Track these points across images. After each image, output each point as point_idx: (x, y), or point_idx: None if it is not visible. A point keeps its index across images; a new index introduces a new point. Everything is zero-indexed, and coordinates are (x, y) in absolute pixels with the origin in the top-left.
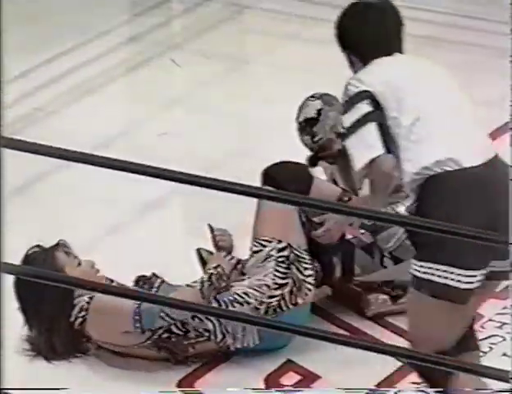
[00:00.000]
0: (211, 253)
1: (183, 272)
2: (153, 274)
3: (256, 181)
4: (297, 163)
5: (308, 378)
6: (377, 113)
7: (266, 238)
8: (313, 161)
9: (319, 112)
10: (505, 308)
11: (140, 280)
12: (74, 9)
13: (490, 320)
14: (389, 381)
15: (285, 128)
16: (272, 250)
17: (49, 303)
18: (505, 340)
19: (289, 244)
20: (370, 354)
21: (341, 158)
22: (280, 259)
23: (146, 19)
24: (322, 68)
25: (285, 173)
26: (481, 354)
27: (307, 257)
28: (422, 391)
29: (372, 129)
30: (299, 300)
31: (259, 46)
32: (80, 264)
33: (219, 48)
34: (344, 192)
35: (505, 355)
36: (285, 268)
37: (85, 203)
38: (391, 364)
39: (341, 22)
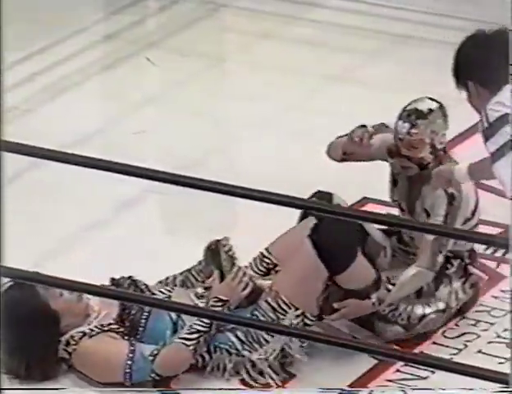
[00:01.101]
0: (232, 262)
1: (159, 271)
2: (130, 278)
3: (232, 179)
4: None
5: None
6: None
7: (286, 301)
8: (393, 153)
9: (431, 111)
10: (480, 305)
11: (117, 282)
12: (49, 7)
13: (464, 318)
14: (362, 380)
15: (262, 126)
16: (285, 320)
17: (34, 334)
18: (479, 337)
19: (303, 313)
20: (343, 353)
21: (418, 170)
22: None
23: (122, 17)
24: (298, 66)
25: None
26: (455, 351)
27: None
28: (403, 390)
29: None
30: None
31: (236, 44)
32: (61, 294)
33: (195, 47)
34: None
35: (479, 351)
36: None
37: (61, 202)
38: (365, 363)
39: (466, 53)
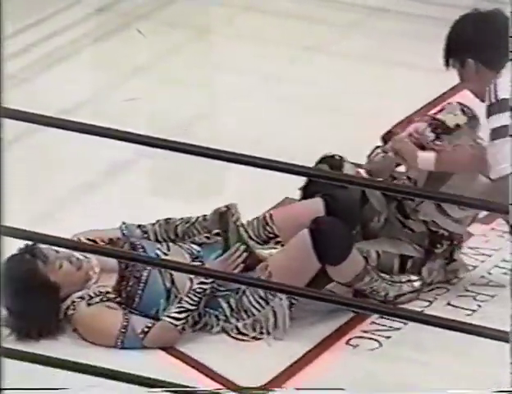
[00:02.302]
0: (238, 234)
1: None
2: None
3: (218, 144)
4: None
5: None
6: None
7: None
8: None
9: (457, 126)
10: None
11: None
12: None
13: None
14: (340, 332)
15: (246, 93)
16: (275, 299)
17: (35, 305)
18: (448, 291)
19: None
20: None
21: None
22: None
23: None
24: (279, 37)
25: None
26: (426, 303)
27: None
28: (377, 341)
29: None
30: None
31: (220, 17)
32: (61, 266)
33: (183, 19)
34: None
35: (448, 304)
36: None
37: (56, 165)
38: (343, 316)
39: (464, 32)
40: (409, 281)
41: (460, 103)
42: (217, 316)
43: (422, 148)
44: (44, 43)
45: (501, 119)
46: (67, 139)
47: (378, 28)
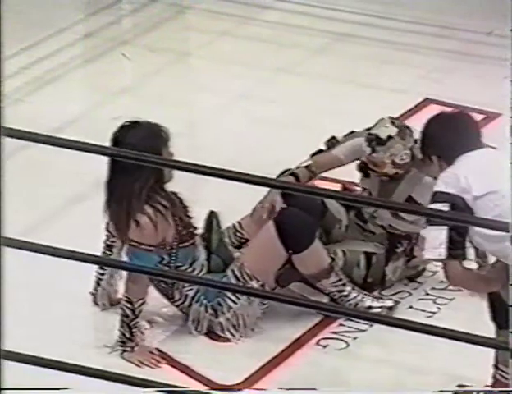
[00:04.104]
0: (219, 237)
1: None
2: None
3: (195, 159)
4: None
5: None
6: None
7: (248, 273)
8: (363, 169)
9: (390, 138)
10: None
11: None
12: (34, 9)
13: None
14: (310, 333)
15: (222, 113)
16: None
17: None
18: (411, 295)
19: (262, 285)
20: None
21: (388, 178)
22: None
23: (99, 18)
24: (252, 60)
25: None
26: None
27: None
28: (345, 341)
29: (444, 233)
30: None
31: (199, 41)
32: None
33: (164, 44)
34: None
35: (410, 307)
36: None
37: (47, 179)
38: (313, 318)
39: (432, 132)
40: (381, 298)
41: (390, 117)
42: (206, 306)
43: (363, 163)
44: (36, 66)
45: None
46: (57, 154)
47: (344, 52)
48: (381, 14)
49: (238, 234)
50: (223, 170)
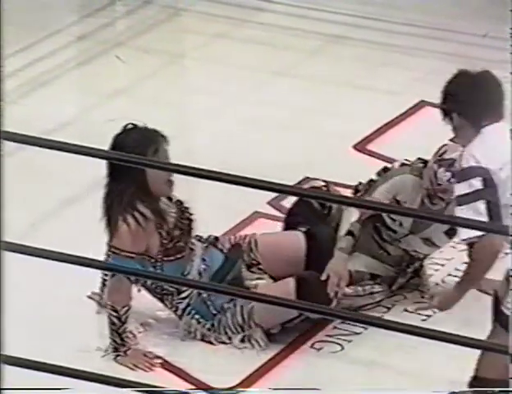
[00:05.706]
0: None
1: None
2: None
3: (190, 161)
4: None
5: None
6: (488, 191)
7: (256, 321)
8: (430, 196)
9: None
10: None
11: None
12: (29, 11)
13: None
14: (306, 336)
15: (216, 114)
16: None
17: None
18: (406, 298)
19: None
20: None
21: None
22: None
23: (93, 20)
24: (247, 63)
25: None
26: (385, 309)
27: None
28: (340, 344)
29: (481, 207)
30: None
31: (193, 43)
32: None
33: (158, 46)
34: None
35: (405, 310)
36: None
37: (42, 181)
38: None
39: (454, 88)
40: (372, 293)
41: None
42: (198, 320)
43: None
44: (30, 68)
45: (464, 188)
46: (52, 156)
47: (339, 54)
48: (377, 16)
49: (251, 254)
50: (215, 172)
